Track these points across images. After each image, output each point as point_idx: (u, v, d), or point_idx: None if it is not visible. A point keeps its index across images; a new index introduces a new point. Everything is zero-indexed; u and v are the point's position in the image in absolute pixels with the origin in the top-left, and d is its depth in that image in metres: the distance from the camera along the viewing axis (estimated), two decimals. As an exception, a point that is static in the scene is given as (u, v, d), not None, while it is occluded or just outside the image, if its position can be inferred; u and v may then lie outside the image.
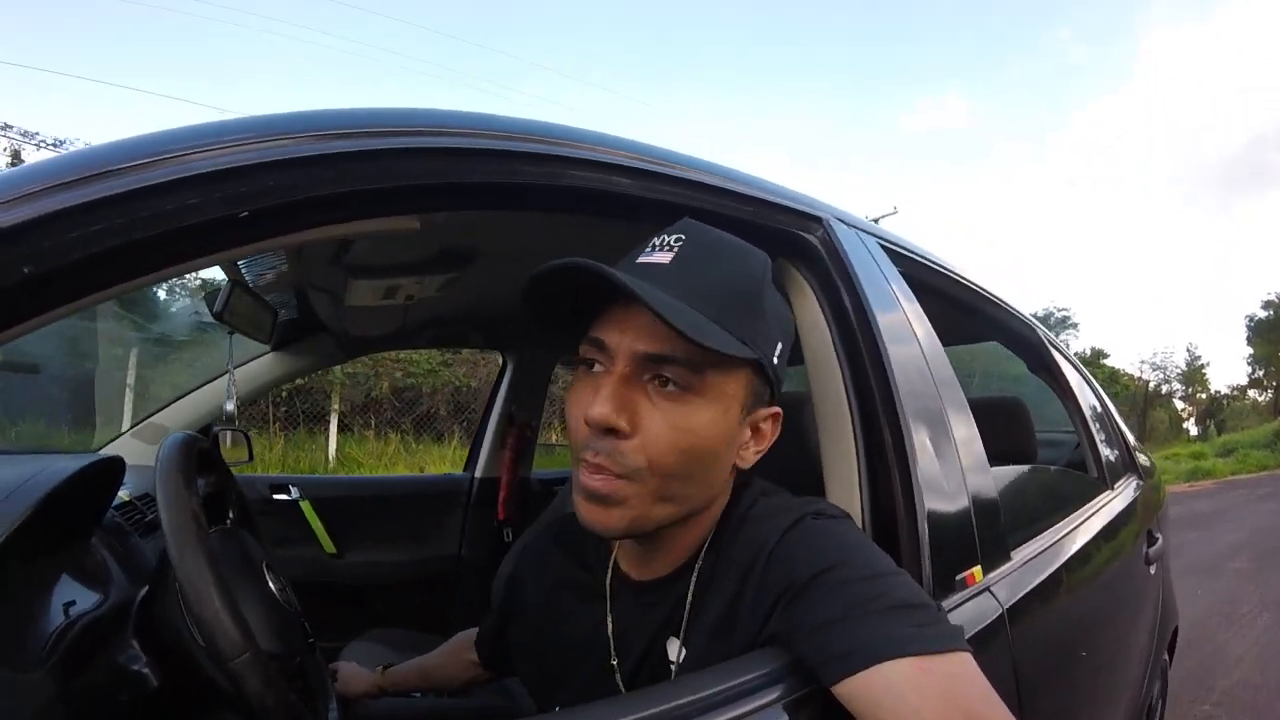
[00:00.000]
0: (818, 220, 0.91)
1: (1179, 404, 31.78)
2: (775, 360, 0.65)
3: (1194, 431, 28.49)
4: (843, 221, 0.96)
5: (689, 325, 0.56)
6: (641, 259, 0.64)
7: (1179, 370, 31.91)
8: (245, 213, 0.52)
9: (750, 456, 0.67)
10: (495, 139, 0.66)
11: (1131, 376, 27.40)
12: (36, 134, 10.79)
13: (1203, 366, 32.47)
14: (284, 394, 8.42)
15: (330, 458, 8.59)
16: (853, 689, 0.54)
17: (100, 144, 0.51)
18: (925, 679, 0.52)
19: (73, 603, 0.80)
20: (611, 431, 0.59)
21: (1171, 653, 2.11)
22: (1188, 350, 33.15)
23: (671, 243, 0.64)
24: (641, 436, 0.60)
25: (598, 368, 0.63)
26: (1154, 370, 30.89)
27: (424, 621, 1.85)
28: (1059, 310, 32.65)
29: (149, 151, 0.50)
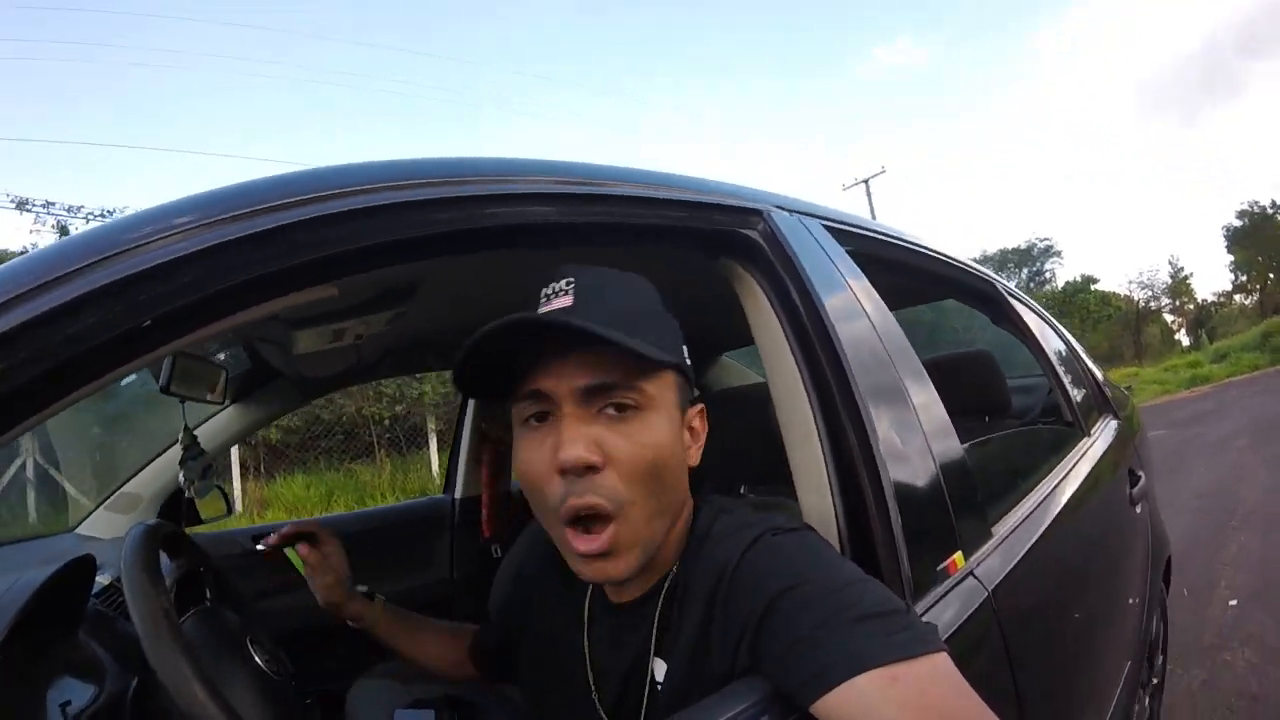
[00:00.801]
0: (757, 213, 0.90)
1: (1168, 317, 33.00)
2: (687, 361, 0.70)
3: (1186, 342, 29.69)
4: (784, 209, 0.94)
5: (624, 340, 0.59)
6: (543, 309, 0.65)
7: (1165, 284, 32.86)
8: (147, 322, 0.49)
9: (695, 455, 0.71)
10: (398, 190, 0.63)
11: (1122, 297, 28.50)
12: (81, 208, 10.92)
13: (1187, 278, 33.53)
14: (386, 420, 9.08)
15: (435, 475, 9.05)
16: (829, 707, 0.54)
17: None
18: (897, 688, 0.52)
19: (69, 702, 0.79)
20: (590, 469, 0.61)
21: (1168, 581, 2.14)
22: (1170, 263, 34.19)
23: (564, 287, 0.65)
24: (614, 465, 0.62)
25: (546, 418, 0.64)
26: (1142, 289, 31.74)
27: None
28: (1041, 240, 34.17)
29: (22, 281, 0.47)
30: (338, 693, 1.36)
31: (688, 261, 0.88)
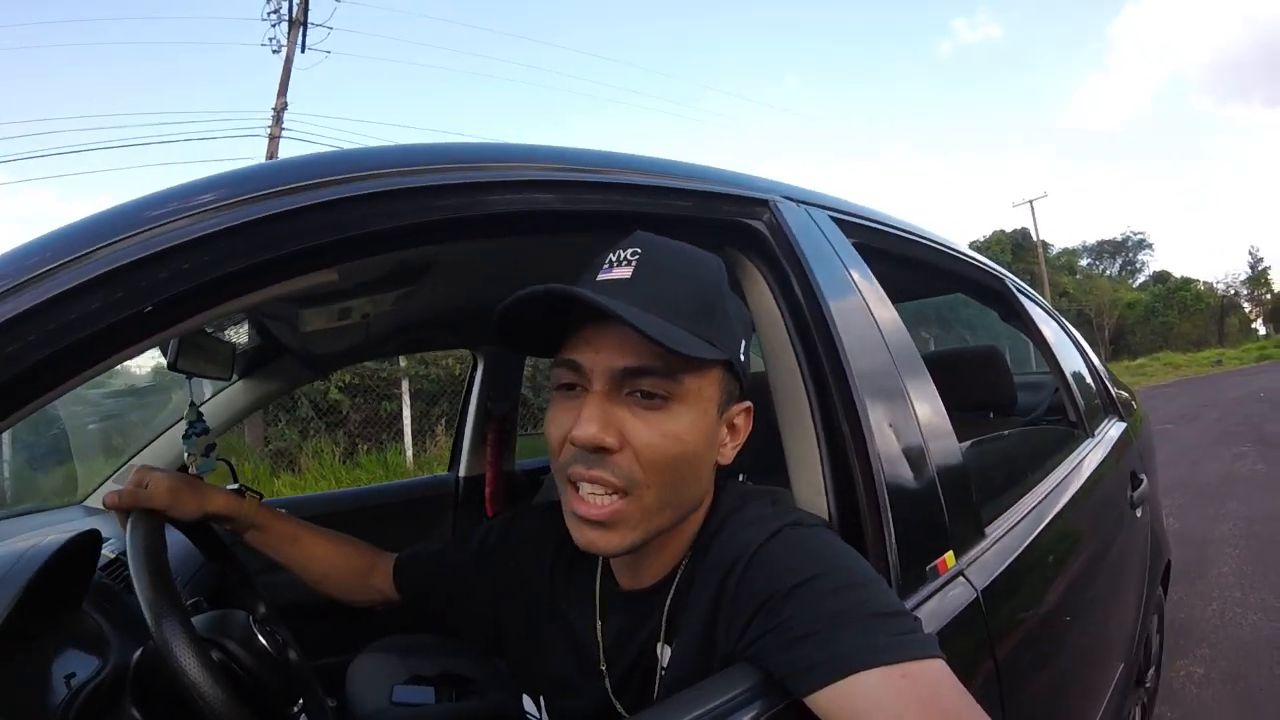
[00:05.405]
0: (763, 203, 0.89)
1: (1246, 306, 39.25)
2: (741, 358, 0.67)
3: (1262, 331, 36.53)
4: (791, 199, 0.94)
5: (664, 336, 0.58)
6: (602, 276, 0.65)
7: (1244, 277, 39.37)
8: (149, 308, 0.50)
9: (729, 453, 0.69)
10: (402, 176, 0.63)
11: (1213, 293, 36.20)
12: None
13: (1266, 270, 38.84)
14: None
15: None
16: (832, 698, 0.54)
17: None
18: (905, 685, 0.53)
19: (73, 674, 0.80)
20: (600, 449, 0.61)
21: (1166, 586, 2.12)
22: (1250, 254, 40.86)
23: (628, 257, 0.65)
24: (630, 449, 0.61)
25: (576, 389, 0.64)
26: (1226, 288, 38.00)
27: (427, 625, 1.86)
28: (1135, 234, 41.71)
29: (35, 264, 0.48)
30: (337, 667, 1.37)
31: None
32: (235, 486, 0.96)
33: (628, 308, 0.58)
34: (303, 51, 10.91)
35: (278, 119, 10.42)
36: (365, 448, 8.22)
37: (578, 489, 0.63)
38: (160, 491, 0.82)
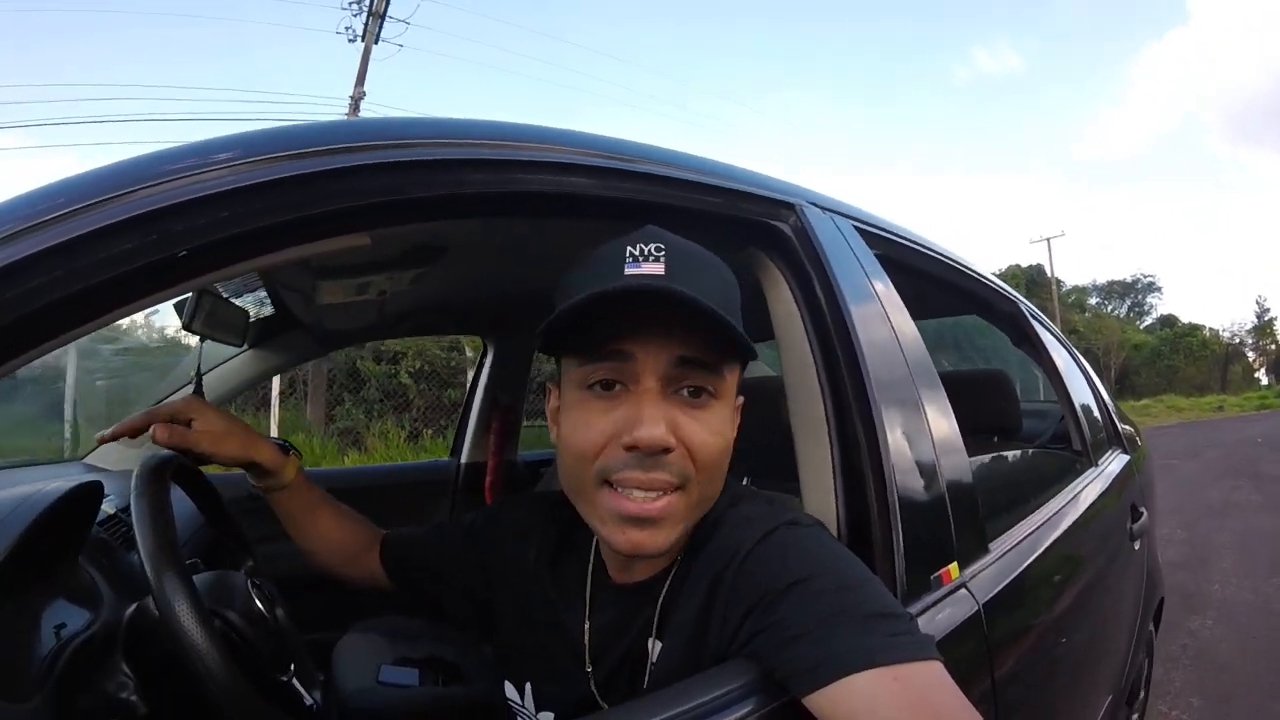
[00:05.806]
0: (790, 206, 0.89)
1: (1249, 355, 40.82)
2: None
3: (1265, 381, 38.02)
4: (817, 205, 0.94)
5: (739, 329, 0.59)
6: (630, 270, 0.62)
7: (1250, 326, 41.13)
8: (184, 252, 0.50)
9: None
10: (438, 147, 0.63)
11: (1219, 340, 37.97)
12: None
13: (1271, 320, 40.31)
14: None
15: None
16: (828, 699, 0.54)
17: (28, 191, 0.49)
18: (899, 687, 0.53)
19: (63, 625, 0.79)
20: (663, 450, 0.60)
21: (1158, 623, 2.15)
22: (1257, 303, 41.95)
23: (653, 252, 0.63)
24: (684, 447, 0.62)
25: (616, 388, 0.63)
26: (1231, 337, 39.33)
27: (416, 609, 1.85)
28: (1144, 276, 43.41)
29: (76, 196, 0.48)
30: (325, 644, 1.37)
31: (714, 248, 0.87)
32: (281, 442, 0.95)
33: (712, 307, 0.58)
34: (376, 43, 11.01)
35: (355, 107, 10.60)
36: (429, 432, 8.52)
37: (617, 489, 0.62)
38: (209, 431, 0.83)
